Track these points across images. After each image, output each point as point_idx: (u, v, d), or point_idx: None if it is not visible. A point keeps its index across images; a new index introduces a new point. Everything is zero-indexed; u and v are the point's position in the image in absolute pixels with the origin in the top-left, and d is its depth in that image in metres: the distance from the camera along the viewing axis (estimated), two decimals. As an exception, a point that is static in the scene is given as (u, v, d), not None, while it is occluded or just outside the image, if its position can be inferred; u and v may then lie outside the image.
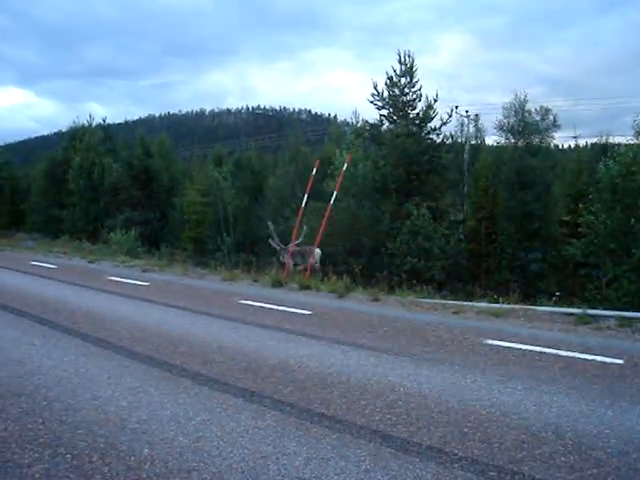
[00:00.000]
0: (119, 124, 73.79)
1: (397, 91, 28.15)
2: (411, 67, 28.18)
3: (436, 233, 24.08)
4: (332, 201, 18.35)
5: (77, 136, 41.94)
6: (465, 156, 30.16)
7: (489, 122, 62.39)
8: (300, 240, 17.96)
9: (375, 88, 28.13)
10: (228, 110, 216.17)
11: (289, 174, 31.83)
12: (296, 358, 7.07)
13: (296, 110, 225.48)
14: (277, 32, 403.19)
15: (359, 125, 36.54)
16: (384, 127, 28.65)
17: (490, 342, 8.06)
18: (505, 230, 26.42)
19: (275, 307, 10.63)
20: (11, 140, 72.97)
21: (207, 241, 33.06)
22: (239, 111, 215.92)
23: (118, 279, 14.59)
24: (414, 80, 28.27)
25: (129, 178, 36.57)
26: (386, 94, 27.99)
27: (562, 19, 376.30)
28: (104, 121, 44.90)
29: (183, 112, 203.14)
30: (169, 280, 14.73)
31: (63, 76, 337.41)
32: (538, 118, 28.69)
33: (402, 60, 28.11)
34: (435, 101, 27.88)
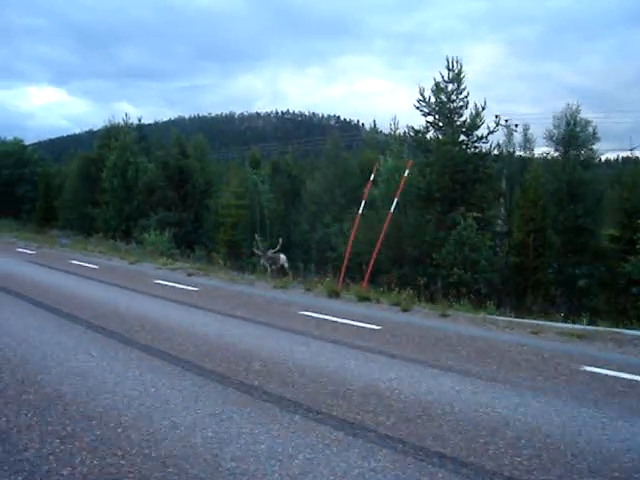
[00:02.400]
0: (149, 125, 73.88)
1: (444, 97, 27.38)
2: (459, 73, 27.43)
3: (483, 245, 23.21)
4: (392, 209, 17.65)
5: (112, 135, 41.78)
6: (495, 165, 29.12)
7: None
8: (277, 249, 20.60)
9: (422, 94, 27.40)
10: (257, 114, 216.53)
11: (328, 179, 31.11)
12: (385, 382, 6.30)
13: (325, 116, 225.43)
14: (309, 38, 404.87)
15: (398, 132, 35.83)
16: (430, 134, 27.89)
17: (588, 369, 7.22)
18: (553, 244, 25.44)
19: (339, 320, 9.84)
20: (43, 138, 73.36)
21: (242, 244, 32.46)
22: (268, 115, 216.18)
23: (165, 283, 13.91)
24: (461, 87, 27.50)
25: (164, 178, 36.16)
26: (433, 100, 27.23)
27: (594, 30, 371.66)
28: (139, 121, 44.82)
29: (213, 115, 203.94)
30: (218, 286, 14.02)
31: (96, 76, 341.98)
32: (578, 129, 27.72)
33: (450, 66, 27.35)
34: (483, 109, 27.07)
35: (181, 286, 13.41)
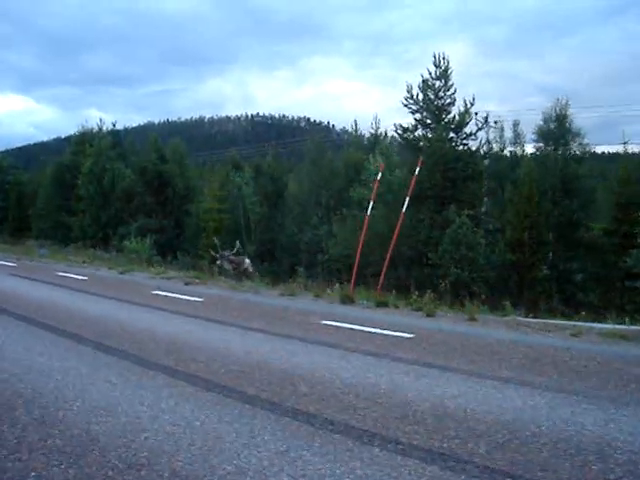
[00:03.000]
0: (119, 131, 72.13)
1: (431, 95, 26.90)
2: (446, 70, 26.99)
3: (479, 243, 22.72)
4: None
5: (86, 140, 40.55)
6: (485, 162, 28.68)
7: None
8: (235, 251, 21.13)
9: (409, 91, 26.90)
10: (227, 117, 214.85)
11: (312, 180, 30.35)
12: (450, 399, 5.60)
13: (295, 118, 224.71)
14: (277, 40, 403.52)
15: (380, 131, 35.28)
16: (418, 132, 27.38)
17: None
18: (548, 240, 25.07)
19: (366, 329, 9.11)
20: (10, 146, 71.20)
21: (225, 249, 31.48)
22: (238, 118, 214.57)
23: (164, 293, 13.01)
24: (449, 83, 27.06)
25: (142, 184, 35.07)
26: (421, 97, 26.72)
27: (562, 28, 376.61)
28: (114, 126, 43.56)
29: (182, 119, 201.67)
30: (222, 295, 13.16)
31: (63, 83, 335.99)
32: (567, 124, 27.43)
33: (437, 63, 26.89)
34: (472, 105, 26.63)
35: (183, 297, 12.52)
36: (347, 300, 11.89)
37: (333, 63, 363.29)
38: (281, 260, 30.50)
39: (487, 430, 4.80)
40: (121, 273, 17.57)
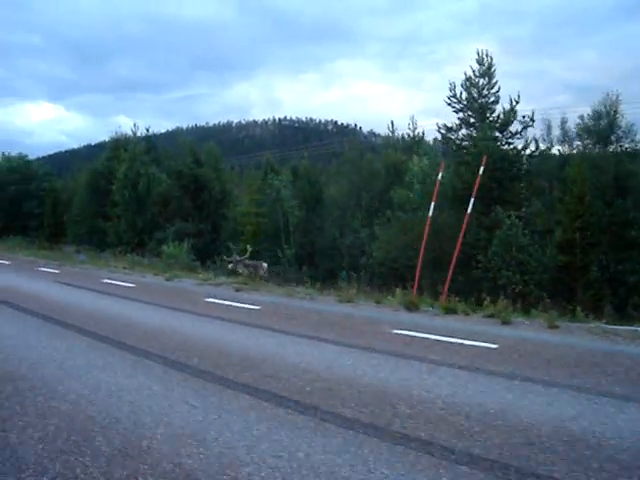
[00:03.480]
0: (152, 136, 72.32)
1: (475, 93, 26.13)
2: (489, 67, 26.17)
3: (530, 244, 21.89)
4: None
5: (120, 146, 40.48)
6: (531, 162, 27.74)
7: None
8: (248, 255, 21.64)
9: (452, 90, 26.17)
10: (254, 122, 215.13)
11: (353, 183, 29.71)
12: (572, 422, 5.00)
13: (322, 121, 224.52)
14: (302, 44, 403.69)
15: (417, 132, 34.55)
16: (462, 131, 26.62)
17: None
18: (600, 240, 24.08)
19: (444, 339, 8.43)
20: (42, 154, 71.79)
21: (264, 254, 31.04)
22: (265, 123, 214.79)
23: (218, 301, 12.47)
24: (492, 81, 26.27)
25: (179, 188, 34.78)
26: (465, 95, 25.97)
27: (588, 23, 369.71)
28: (147, 131, 43.42)
29: (210, 124, 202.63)
30: (277, 302, 12.55)
31: (92, 90, 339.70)
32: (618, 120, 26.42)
33: (480, 60, 26.11)
34: (517, 103, 25.78)
35: (239, 304, 11.97)
36: (412, 307, 11.22)
37: (358, 65, 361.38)
38: (320, 264, 29.91)
39: (633, 461, 4.17)
40: (167, 280, 17.10)
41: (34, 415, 5.11)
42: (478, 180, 15.96)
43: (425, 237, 15.37)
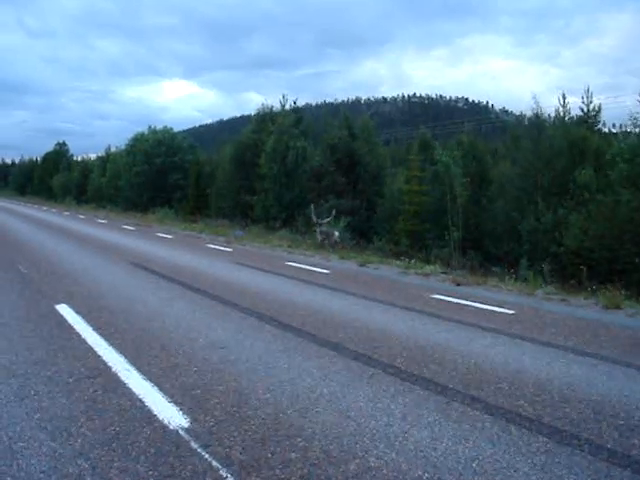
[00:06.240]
0: (300, 108, 71.01)
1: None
2: None
3: None
4: None
5: (268, 119, 39.12)
6: None
7: None
8: (329, 220, 22.28)
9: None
10: (384, 99, 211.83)
11: (530, 162, 26.21)
12: None
13: (453, 98, 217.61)
14: (432, 20, 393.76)
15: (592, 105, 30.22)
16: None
17: None
18: None
19: None
20: (178, 128, 72.90)
21: (425, 235, 28.43)
22: (394, 100, 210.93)
23: (452, 299, 9.98)
24: None
25: (332, 162, 32.75)
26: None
27: None
28: (294, 103, 41.71)
29: (339, 101, 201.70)
30: (534, 306, 9.85)
31: (224, 68, 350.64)
32: None
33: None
34: None
35: (480, 305, 9.42)
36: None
37: (490, 41, 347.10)
38: (487, 249, 26.87)
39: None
40: (360, 265, 14.92)
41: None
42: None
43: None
